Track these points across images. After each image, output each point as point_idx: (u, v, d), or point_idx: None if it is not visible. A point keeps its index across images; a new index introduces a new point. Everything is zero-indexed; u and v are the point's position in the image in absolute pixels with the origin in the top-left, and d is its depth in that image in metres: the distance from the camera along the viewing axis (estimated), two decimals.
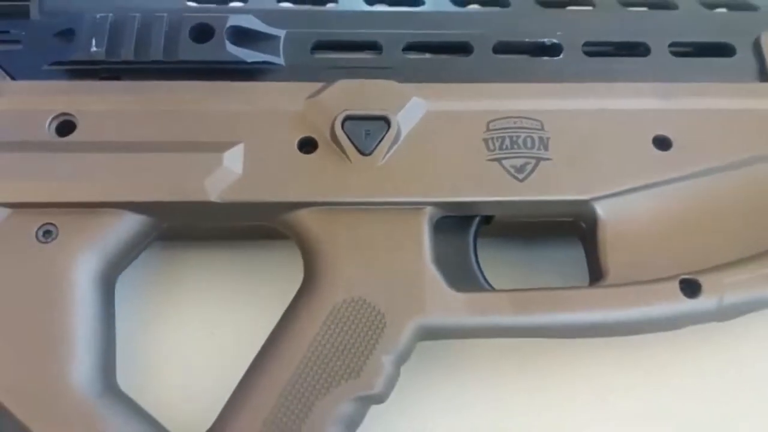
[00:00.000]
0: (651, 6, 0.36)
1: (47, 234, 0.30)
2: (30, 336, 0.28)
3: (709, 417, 0.34)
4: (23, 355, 0.28)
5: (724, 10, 0.37)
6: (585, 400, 0.34)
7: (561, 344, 0.35)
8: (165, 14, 0.32)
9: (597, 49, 0.35)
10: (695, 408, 0.34)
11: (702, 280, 0.30)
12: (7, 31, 0.33)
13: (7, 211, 0.29)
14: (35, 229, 0.30)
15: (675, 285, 0.30)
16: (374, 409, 0.31)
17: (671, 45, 0.35)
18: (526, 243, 0.36)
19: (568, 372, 0.35)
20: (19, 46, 0.32)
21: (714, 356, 0.35)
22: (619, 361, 0.35)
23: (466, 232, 0.32)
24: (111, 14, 0.32)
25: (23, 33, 0.33)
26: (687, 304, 0.30)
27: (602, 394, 0.34)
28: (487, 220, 0.33)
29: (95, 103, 0.31)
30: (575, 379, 0.35)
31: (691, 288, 0.30)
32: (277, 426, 0.27)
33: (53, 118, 0.31)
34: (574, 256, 0.34)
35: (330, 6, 0.35)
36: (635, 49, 0.35)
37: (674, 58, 0.35)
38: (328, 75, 0.32)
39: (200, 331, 0.34)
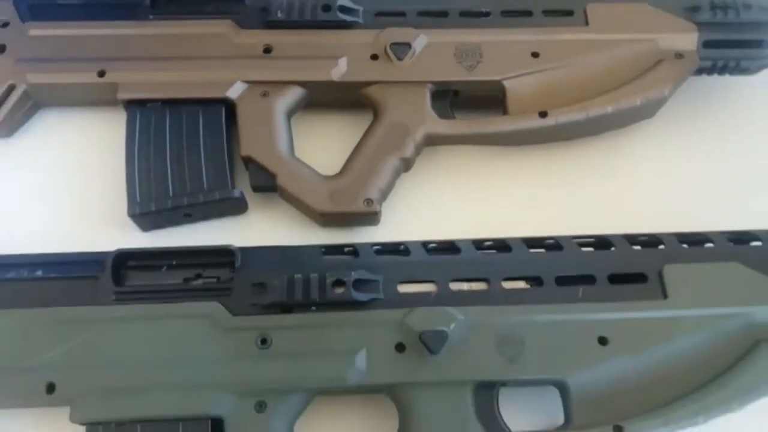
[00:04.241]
0: None
1: (264, 95, 0.66)
2: (262, 133, 0.66)
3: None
4: (262, 141, 0.65)
5: None
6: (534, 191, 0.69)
7: (521, 160, 0.70)
8: None
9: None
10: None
11: (549, 111, 0.68)
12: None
13: (246, 84, 0.66)
14: (259, 93, 0.67)
15: (536, 114, 0.67)
16: (410, 189, 0.69)
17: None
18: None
19: (518, 177, 0.70)
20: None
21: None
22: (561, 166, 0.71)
23: (447, 97, 0.69)
24: None
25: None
26: (539, 122, 0.67)
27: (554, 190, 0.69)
28: (455, 93, 0.70)
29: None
30: (526, 180, 0.70)
31: (543, 114, 0.67)
32: (367, 165, 0.64)
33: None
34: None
35: None
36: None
37: None
38: None
39: (318, 141, 0.71)
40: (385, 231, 0.67)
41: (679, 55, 0.70)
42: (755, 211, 0.67)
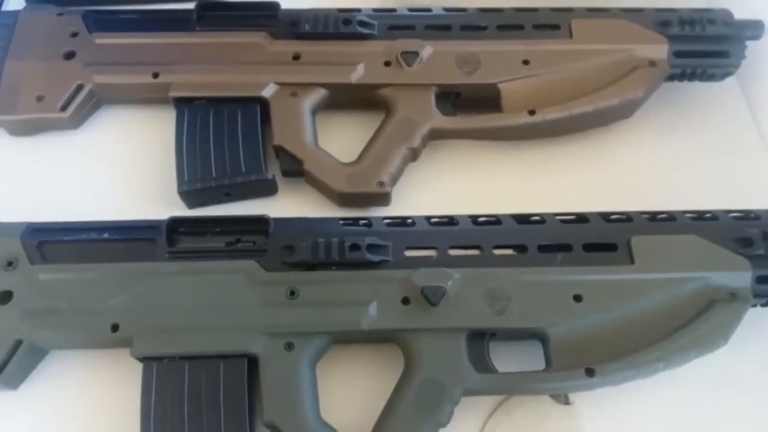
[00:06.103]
0: None
1: (293, 95, 0.78)
2: (291, 126, 0.77)
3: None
4: (291, 133, 0.76)
5: None
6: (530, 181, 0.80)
7: (514, 154, 0.81)
8: None
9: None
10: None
11: (537, 110, 0.78)
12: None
13: (278, 86, 0.78)
14: (288, 93, 0.78)
15: (525, 112, 0.78)
16: (416, 177, 0.80)
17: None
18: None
19: (510, 167, 0.80)
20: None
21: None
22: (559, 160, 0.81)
23: (449, 97, 0.80)
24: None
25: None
26: (529, 119, 0.78)
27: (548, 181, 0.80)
28: (457, 95, 0.82)
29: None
30: (517, 170, 0.80)
31: (531, 113, 0.78)
32: (380, 153, 0.75)
33: None
34: None
35: None
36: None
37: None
38: None
39: (338, 135, 0.81)
40: (395, 211, 0.77)
41: (652, 64, 0.80)
42: (713, 194, 0.77)
